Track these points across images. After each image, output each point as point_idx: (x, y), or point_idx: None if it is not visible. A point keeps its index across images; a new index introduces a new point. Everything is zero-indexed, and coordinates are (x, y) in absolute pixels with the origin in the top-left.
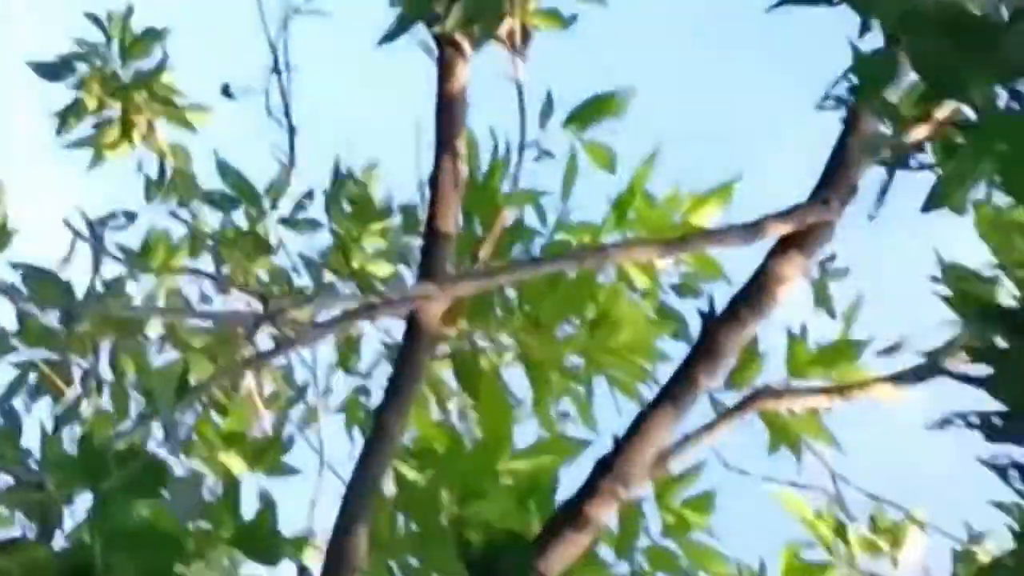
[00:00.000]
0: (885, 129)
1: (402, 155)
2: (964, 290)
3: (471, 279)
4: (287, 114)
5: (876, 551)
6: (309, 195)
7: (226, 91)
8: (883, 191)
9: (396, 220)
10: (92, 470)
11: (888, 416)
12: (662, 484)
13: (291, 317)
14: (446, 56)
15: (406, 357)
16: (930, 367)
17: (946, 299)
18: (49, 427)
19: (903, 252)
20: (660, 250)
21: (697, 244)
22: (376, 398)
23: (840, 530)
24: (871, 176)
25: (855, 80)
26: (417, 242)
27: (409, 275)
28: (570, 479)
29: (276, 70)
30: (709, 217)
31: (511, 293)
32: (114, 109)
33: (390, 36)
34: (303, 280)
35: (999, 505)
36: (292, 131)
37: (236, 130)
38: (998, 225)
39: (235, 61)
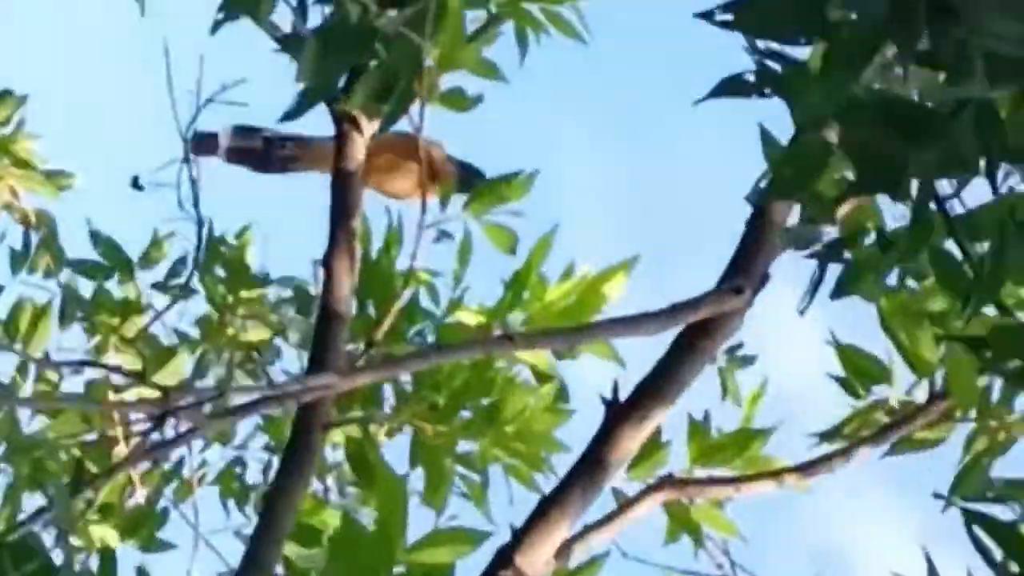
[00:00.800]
0: (802, 217)
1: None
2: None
3: (373, 370)
4: (196, 205)
5: None
6: (182, 261)
7: (135, 183)
8: (814, 285)
9: (273, 288)
10: None
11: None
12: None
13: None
14: (344, 133)
15: (298, 441)
16: (842, 455)
17: (839, 379)
18: None
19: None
20: (568, 339)
21: (607, 333)
22: (252, 471)
23: None
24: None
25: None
26: (292, 312)
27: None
28: (466, 570)
29: (186, 159)
30: (606, 297)
31: (406, 377)
32: None
33: (292, 113)
34: (176, 347)
35: None
36: (200, 223)
37: (146, 219)
38: (903, 312)
39: (145, 151)
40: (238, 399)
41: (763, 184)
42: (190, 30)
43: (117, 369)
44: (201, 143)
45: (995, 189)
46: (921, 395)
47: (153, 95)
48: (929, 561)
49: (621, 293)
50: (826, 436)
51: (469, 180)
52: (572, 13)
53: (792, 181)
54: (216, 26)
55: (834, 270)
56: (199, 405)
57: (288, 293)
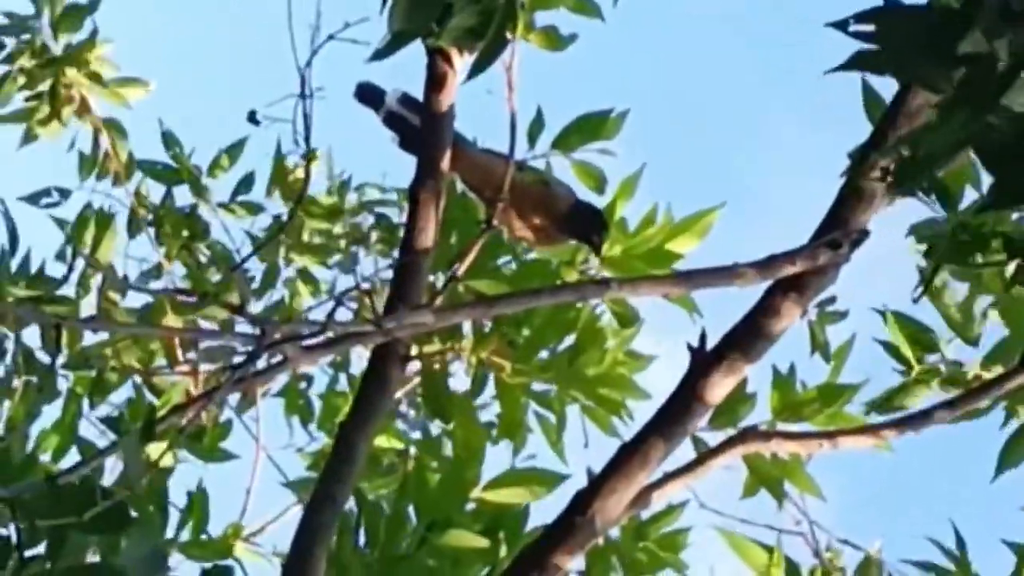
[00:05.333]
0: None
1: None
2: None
3: (467, 309)
4: (307, 139)
5: None
6: (249, 178)
7: (252, 118)
8: (929, 279)
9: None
10: (58, 507)
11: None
12: (636, 524)
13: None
14: (435, 68)
15: (376, 373)
16: (924, 416)
17: (888, 346)
18: None
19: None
20: (666, 286)
21: (706, 280)
22: (319, 384)
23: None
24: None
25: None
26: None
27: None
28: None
29: (302, 95)
30: (688, 245)
31: None
32: (45, 84)
33: (382, 53)
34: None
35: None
36: (309, 156)
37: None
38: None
39: (262, 85)
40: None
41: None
42: None
43: (189, 292)
44: (366, 94)
45: None
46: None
47: (272, 29)
48: None
49: (703, 240)
50: (876, 405)
51: (589, 227)
52: None
53: (918, 170)
54: None
55: None
56: (298, 339)
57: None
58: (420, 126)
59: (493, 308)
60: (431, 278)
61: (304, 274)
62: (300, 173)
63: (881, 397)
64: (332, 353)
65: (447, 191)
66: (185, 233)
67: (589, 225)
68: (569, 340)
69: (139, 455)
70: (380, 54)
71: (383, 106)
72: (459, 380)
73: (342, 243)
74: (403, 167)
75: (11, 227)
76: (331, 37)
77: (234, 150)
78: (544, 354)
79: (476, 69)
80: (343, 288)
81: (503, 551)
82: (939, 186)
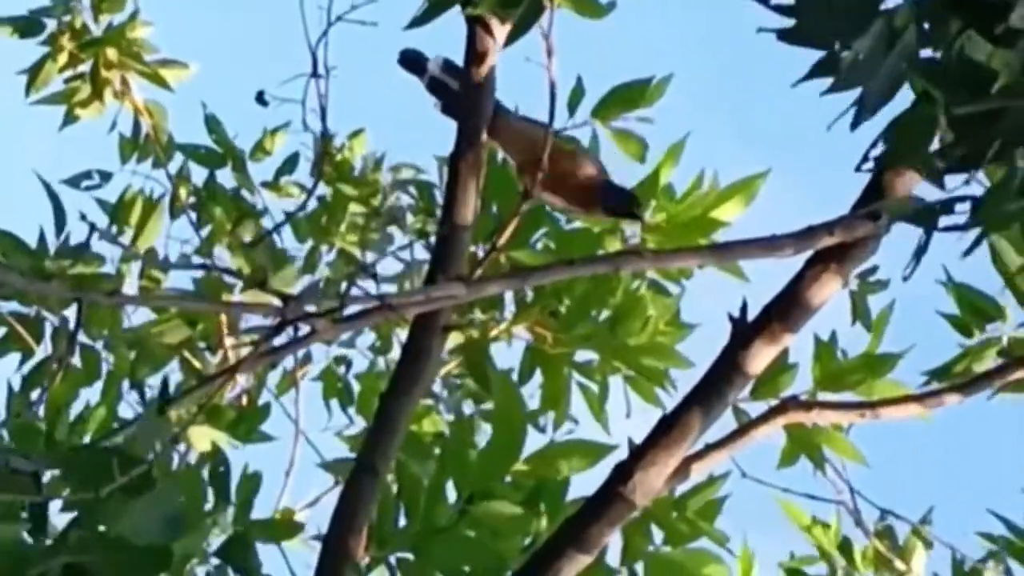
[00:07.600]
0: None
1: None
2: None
3: (499, 281)
4: (323, 119)
5: (887, 566)
6: (294, 159)
7: (260, 99)
8: (919, 252)
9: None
10: (93, 472)
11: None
12: (676, 496)
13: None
14: (475, 38)
15: (417, 343)
16: (967, 386)
17: (949, 317)
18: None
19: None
20: (702, 257)
21: (741, 252)
22: (358, 367)
23: (844, 546)
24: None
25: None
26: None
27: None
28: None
29: (315, 74)
30: (732, 212)
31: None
32: (85, 65)
33: (421, 19)
34: (286, 243)
35: (988, 536)
36: (326, 137)
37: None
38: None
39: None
40: (359, 306)
41: (875, 152)
42: None
43: (230, 271)
44: (409, 60)
45: None
46: None
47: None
48: None
49: (749, 207)
50: (936, 374)
51: (618, 205)
52: None
53: (900, 150)
54: None
55: None
56: (321, 315)
57: (404, 175)
58: (461, 95)
59: (527, 279)
60: (472, 249)
61: (345, 255)
62: (344, 153)
63: (942, 367)
64: (359, 327)
65: (487, 162)
66: (229, 218)
67: (619, 203)
68: (610, 311)
69: (156, 425)
70: (418, 21)
71: (426, 72)
72: (501, 351)
73: (375, 224)
74: (419, 142)
75: (57, 207)
76: (339, 18)
77: (278, 131)
78: (586, 324)
79: (514, 34)
80: (376, 267)
81: (543, 523)
82: (927, 161)
